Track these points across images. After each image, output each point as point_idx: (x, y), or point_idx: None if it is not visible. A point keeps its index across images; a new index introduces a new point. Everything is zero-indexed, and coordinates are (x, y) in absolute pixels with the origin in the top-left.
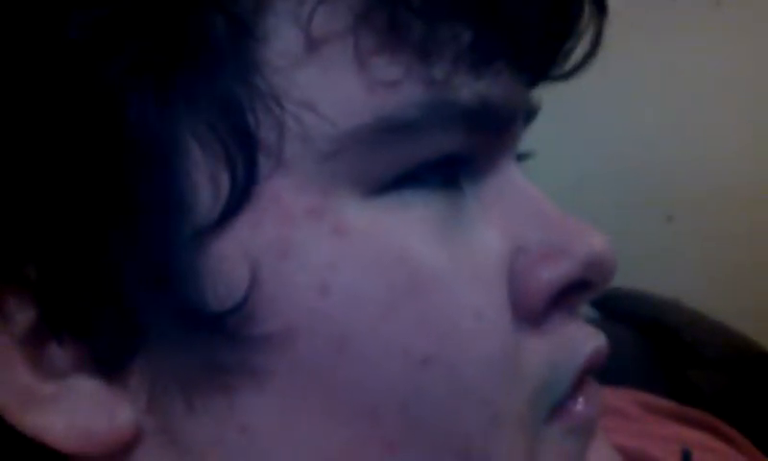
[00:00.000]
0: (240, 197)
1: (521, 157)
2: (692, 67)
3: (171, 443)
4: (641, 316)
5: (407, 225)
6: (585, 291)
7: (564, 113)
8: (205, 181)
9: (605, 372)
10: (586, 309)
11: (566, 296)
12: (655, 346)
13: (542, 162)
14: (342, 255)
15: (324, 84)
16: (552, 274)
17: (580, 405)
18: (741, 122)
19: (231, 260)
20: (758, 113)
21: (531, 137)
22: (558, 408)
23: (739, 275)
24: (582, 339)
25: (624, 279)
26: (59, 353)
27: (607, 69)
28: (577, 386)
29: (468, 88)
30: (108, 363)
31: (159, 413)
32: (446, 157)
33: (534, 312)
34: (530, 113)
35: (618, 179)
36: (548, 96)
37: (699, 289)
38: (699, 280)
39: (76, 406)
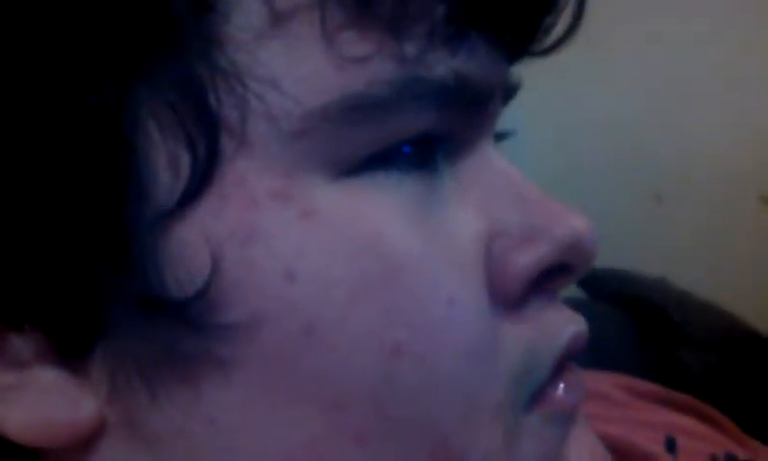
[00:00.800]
0: (201, 180)
1: (500, 137)
2: (681, 47)
3: (134, 435)
4: (629, 296)
5: (379, 208)
6: (565, 275)
7: (552, 95)
8: (166, 164)
9: (593, 353)
10: (574, 290)
11: (546, 280)
12: (643, 326)
13: (531, 144)
14: (310, 240)
15: (290, 60)
16: (530, 257)
17: (560, 392)
18: (730, 102)
19: (193, 246)
20: (747, 93)
21: (519, 119)
22: (538, 395)
23: (727, 254)
24: (561, 324)
25: (612, 260)
26: (19, 344)
27: (593, 48)
28: (557, 372)
29: (443, 65)
30: (70, 353)
31: (122, 404)
32: (421, 136)
33: (512, 297)
34: (509, 91)
35: (607, 159)
36: (535, 77)
37: (687, 269)
38: (687, 260)
39: (37, 397)
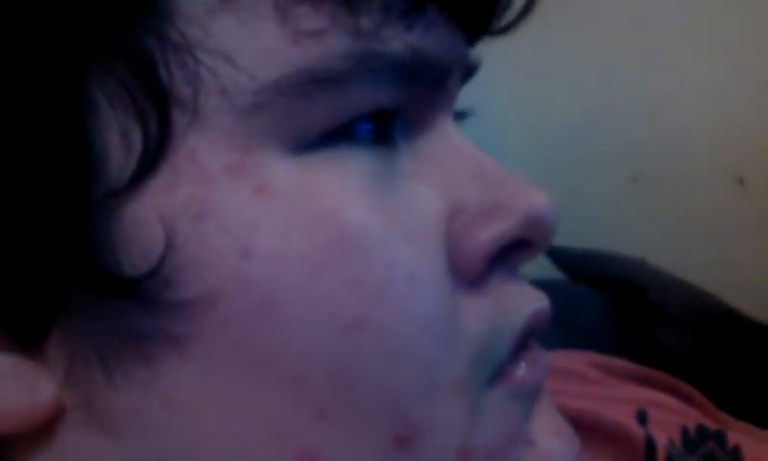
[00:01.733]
0: (153, 156)
1: (459, 116)
2: (656, 28)
3: (93, 418)
4: (607, 276)
5: (336, 183)
6: (525, 250)
7: (527, 78)
8: (117, 141)
9: (572, 333)
10: (552, 271)
11: (506, 255)
12: (622, 306)
13: (507, 128)
14: (264, 216)
15: (242, 34)
16: (490, 233)
17: (522, 370)
18: (707, 83)
19: (146, 223)
20: (726, 70)
21: (495, 99)
22: (500, 372)
23: (705, 234)
24: (522, 300)
25: (590, 241)
26: None
27: (567, 31)
28: (518, 350)
29: (399, 40)
30: (24, 336)
31: (80, 386)
32: (377, 111)
33: (472, 272)
34: (469, 70)
35: (583, 140)
36: (509, 60)
37: (664, 250)
38: (664, 241)
39: None
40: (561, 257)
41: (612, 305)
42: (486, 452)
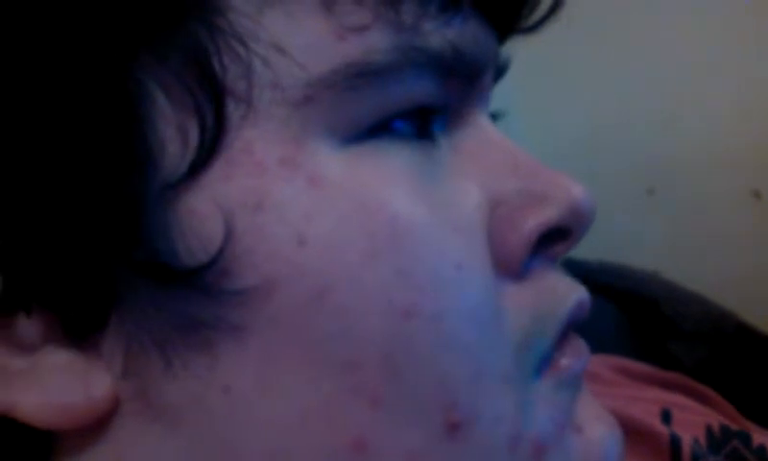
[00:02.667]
0: (210, 148)
1: (495, 117)
2: (674, 40)
3: (149, 408)
4: (621, 289)
5: (383, 175)
6: (564, 239)
7: (544, 88)
8: (174, 133)
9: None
10: None
11: (545, 246)
12: (634, 319)
13: (522, 134)
14: (318, 206)
15: (292, 28)
16: (531, 221)
17: (566, 359)
18: (724, 96)
19: (204, 214)
20: (743, 84)
21: (511, 108)
22: (544, 362)
23: (720, 247)
24: (564, 290)
25: (605, 253)
26: (27, 326)
27: (586, 42)
28: (562, 340)
29: (438, 35)
30: (80, 331)
31: (137, 378)
32: (419, 106)
33: (514, 262)
34: (500, 69)
35: (599, 151)
36: (524, 68)
37: (679, 261)
38: (679, 253)
39: (48, 380)
40: (574, 269)
41: (625, 318)
42: (535, 440)
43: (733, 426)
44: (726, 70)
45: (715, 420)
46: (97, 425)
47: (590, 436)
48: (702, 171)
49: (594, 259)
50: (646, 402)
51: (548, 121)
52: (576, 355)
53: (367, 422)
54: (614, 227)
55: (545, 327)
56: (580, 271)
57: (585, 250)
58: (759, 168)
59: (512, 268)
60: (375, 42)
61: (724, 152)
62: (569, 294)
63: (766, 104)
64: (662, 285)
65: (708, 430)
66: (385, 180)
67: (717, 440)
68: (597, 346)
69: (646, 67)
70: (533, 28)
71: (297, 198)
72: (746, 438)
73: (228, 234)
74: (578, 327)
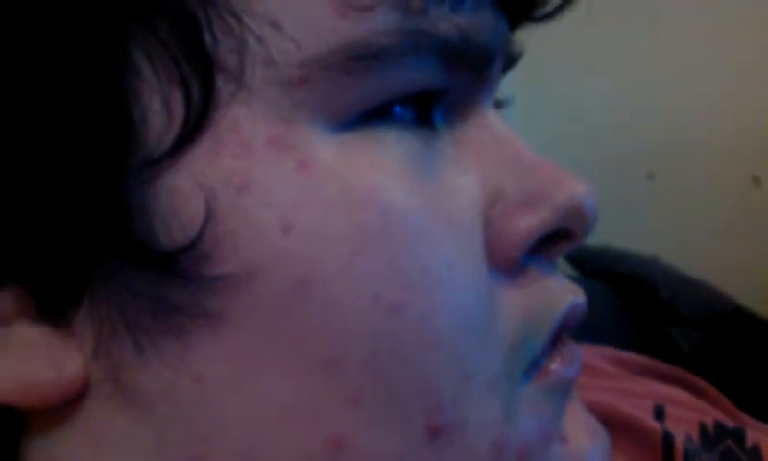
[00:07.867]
0: (195, 124)
1: (500, 105)
2: (674, 25)
3: (120, 393)
4: (619, 273)
5: (377, 163)
6: (564, 241)
7: (546, 70)
8: (158, 106)
9: (582, 329)
10: (564, 267)
11: (545, 245)
12: (633, 303)
13: (523, 119)
14: (306, 192)
15: (290, 3)
16: (530, 222)
17: (556, 364)
18: (724, 81)
19: (185, 194)
20: (741, 70)
21: (513, 93)
22: (534, 366)
23: (719, 232)
24: (560, 293)
25: (604, 237)
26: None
27: (590, 24)
28: (554, 344)
29: (447, 21)
30: (53, 307)
31: (108, 360)
32: (420, 92)
33: (510, 262)
34: (511, 58)
35: (600, 136)
36: (526, 57)
37: (679, 246)
38: (679, 237)
39: (18, 354)
40: (573, 253)
41: (623, 302)
42: (519, 448)
43: (729, 424)
44: (726, 56)
45: (710, 416)
46: (67, 407)
47: (575, 448)
48: (702, 156)
49: (593, 243)
50: (641, 397)
51: (548, 107)
52: (567, 361)
53: (345, 420)
54: (614, 211)
55: (537, 329)
56: (578, 255)
57: None
58: (759, 154)
59: (506, 268)
60: (379, 23)
61: (724, 137)
62: (564, 296)
63: (766, 90)
64: (661, 270)
65: (702, 427)
66: (379, 168)
67: (710, 438)
68: (594, 331)
69: (647, 54)
70: (547, 16)
71: (284, 182)
72: (741, 437)
73: (210, 215)
74: (572, 330)
